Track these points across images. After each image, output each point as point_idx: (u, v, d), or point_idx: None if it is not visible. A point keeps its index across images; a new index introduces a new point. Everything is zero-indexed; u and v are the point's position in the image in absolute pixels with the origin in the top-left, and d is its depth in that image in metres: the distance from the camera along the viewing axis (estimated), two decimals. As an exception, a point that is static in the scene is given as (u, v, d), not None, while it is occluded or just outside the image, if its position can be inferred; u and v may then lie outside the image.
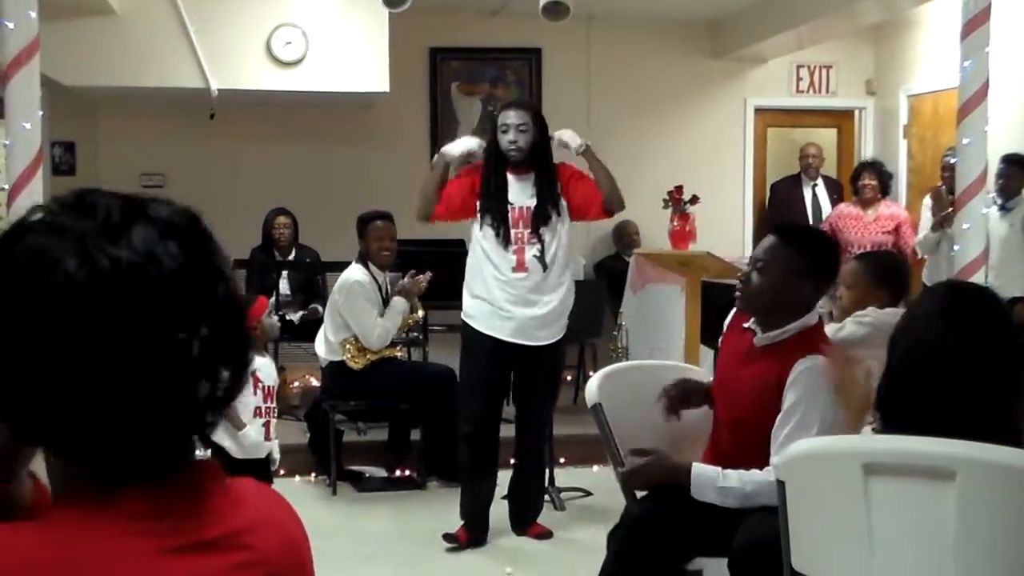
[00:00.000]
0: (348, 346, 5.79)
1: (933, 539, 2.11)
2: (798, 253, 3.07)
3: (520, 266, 4.76)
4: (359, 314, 5.76)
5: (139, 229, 1.02)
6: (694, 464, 2.98)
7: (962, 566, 2.10)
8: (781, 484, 2.29)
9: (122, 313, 0.98)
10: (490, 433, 4.92)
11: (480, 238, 4.82)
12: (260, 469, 4.75)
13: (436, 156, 5.05)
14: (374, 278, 5.85)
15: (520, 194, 4.79)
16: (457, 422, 5.14)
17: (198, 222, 1.08)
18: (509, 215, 4.76)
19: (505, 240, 4.76)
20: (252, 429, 4.55)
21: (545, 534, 5.06)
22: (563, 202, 4.83)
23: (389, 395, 5.92)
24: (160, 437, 1.03)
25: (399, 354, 5.93)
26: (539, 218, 4.75)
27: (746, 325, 3.15)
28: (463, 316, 4.91)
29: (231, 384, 1.08)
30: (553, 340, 4.85)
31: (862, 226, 7.41)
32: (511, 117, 4.77)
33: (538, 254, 4.75)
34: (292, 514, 1.17)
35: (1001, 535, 2.12)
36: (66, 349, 0.97)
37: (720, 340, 3.31)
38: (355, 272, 5.85)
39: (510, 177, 4.80)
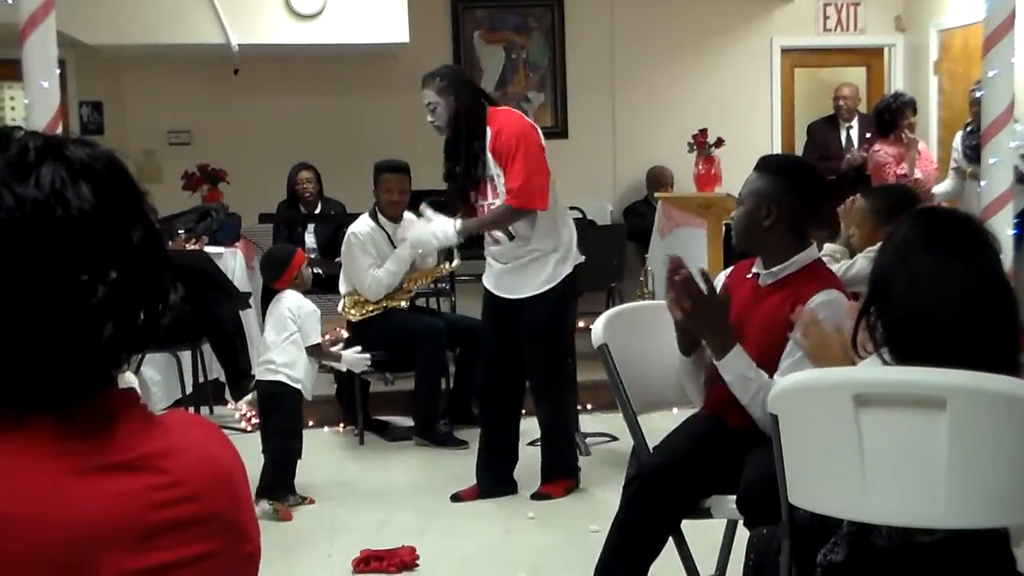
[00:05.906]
0: (346, 299, 5.77)
1: (925, 468, 2.10)
2: (771, 176, 3.06)
3: (493, 240, 4.74)
4: (353, 265, 5.76)
5: (48, 168, 1.03)
6: (738, 344, 2.92)
7: (954, 495, 2.08)
8: (775, 417, 2.29)
9: (22, 250, 1.00)
10: (496, 385, 4.87)
11: None
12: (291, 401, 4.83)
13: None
14: (383, 228, 5.84)
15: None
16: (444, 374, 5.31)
17: (118, 166, 1.09)
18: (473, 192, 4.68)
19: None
20: None
21: (543, 494, 4.82)
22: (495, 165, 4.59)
23: (381, 346, 5.78)
24: (64, 371, 1.04)
25: (404, 304, 5.82)
26: (465, 193, 4.68)
27: (752, 272, 3.14)
28: None
29: (146, 327, 1.09)
30: (530, 294, 4.68)
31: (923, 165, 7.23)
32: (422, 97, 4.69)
33: None
34: (224, 444, 1.17)
35: (992, 463, 2.10)
36: None
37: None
38: (357, 224, 5.86)
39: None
